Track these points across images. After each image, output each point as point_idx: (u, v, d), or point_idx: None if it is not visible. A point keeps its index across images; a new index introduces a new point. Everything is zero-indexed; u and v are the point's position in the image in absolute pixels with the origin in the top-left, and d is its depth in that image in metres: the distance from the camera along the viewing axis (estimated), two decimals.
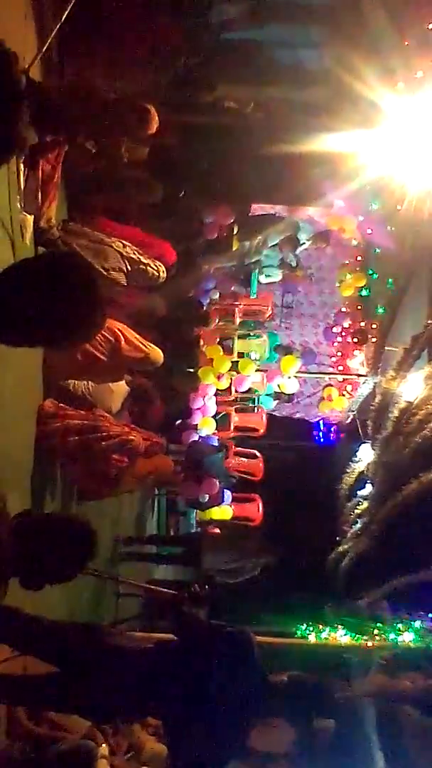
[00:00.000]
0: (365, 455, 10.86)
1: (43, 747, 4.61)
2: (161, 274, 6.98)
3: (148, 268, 6.75)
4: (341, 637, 9.59)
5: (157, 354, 6.66)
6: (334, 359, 13.06)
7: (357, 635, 9.58)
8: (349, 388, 12.83)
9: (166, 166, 7.53)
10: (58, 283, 2.76)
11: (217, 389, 10.71)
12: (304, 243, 11.77)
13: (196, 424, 10.51)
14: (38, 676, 4.29)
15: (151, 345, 6.60)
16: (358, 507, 10.54)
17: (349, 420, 13.45)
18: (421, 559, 8.48)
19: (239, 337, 11.47)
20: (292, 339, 13.40)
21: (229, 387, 11.01)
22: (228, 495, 10.82)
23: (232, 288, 11.46)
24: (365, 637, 9.58)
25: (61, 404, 5.93)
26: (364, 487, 10.69)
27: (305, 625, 9.45)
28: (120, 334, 6.16)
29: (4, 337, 2.82)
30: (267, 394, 11.81)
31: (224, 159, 8.64)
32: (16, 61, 2.56)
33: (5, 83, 2.46)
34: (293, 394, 12.26)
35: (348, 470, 11.22)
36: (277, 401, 12.22)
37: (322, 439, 14.70)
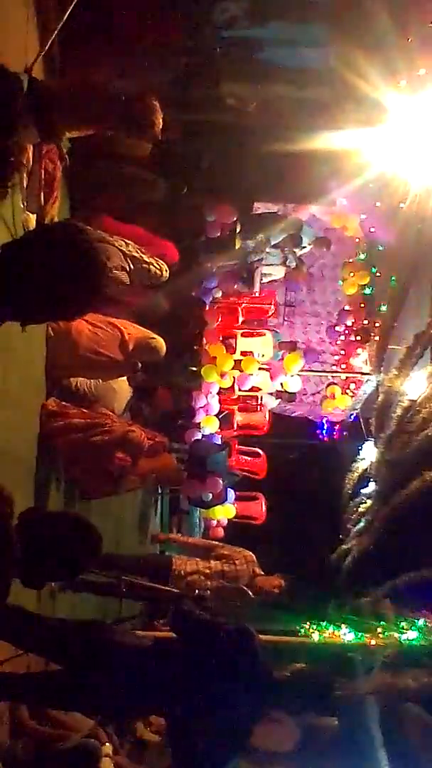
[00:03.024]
0: (368, 453, 10.87)
1: (47, 746, 4.62)
2: (164, 272, 6.98)
3: (151, 266, 6.75)
4: (344, 635, 9.59)
5: (160, 343, 6.70)
6: (337, 357, 13.06)
7: (360, 633, 9.58)
8: (352, 386, 12.83)
9: (169, 164, 7.53)
10: (54, 248, 2.73)
11: (220, 387, 10.71)
12: (305, 246, 11.77)
13: (199, 423, 10.51)
14: (41, 675, 4.30)
15: (153, 335, 6.64)
16: (361, 505, 10.56)
17: (352, 418, 13.45)
18: (424, 556, 8.48)
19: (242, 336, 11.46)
20: (295, 337, 13.38)
21: (232, 385, 11.00)
22: (231, 493, 10.82)
23: (235, 286, 11.45)
24: (368, 635, 9.57)
25: (64, 403, 5.93)
26: (367, 485, 10.71)
27: (308, 623, 9.44)
28: (123, 329, 6.19)
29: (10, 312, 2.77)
30: (269, 393, 11.80)
31: (227, 157, 8.63)
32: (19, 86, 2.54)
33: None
34: (296, 392, 12.24)
35: (351, 468, 11.24)
36: (279, 400, 12.20)
37: (325, 438, 14.69)
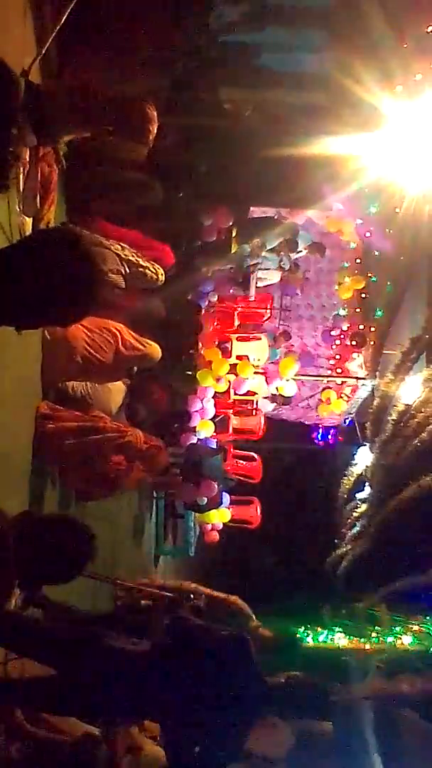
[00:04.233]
0: (364, 458, 10.89)
1: (41, 749, 4.60)
2: (160, 276, 6.98)
3: (147, 270, 6.75)
4: (339, 639, 9.59)
5: (155, 350, 6.69)
6: (332, 362, 13.06)
7: (355, 638, 9.58)
8: (347, 390, 12.84)
9: (165, 168, 7.54)
10: (50, 252, 2.71)
11: (216, 392, 10.71)
12: (301, 251, 11.79)
13: (195, 427, 10.50)
14: (36, 679, 4.28)
15: (149, 341, 6.63)
16: (356, 509, 10.56)
17: (347, 423, 13.45)
18: (419, 561, 8.49)
19: (238, 340, 11.46)
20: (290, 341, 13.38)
21: (228, 389, 11.00)
22: (226, 497, 10.81)
23: (231, 290, 11.46)
24: (363, 640, 9.58)
25: (57, 406, 5.92)
26: (362, 489, 10.72)
27: (303, 628, 9.44)
28: (119, 334, 6.18)
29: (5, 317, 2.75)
30: (264, 397, 11.81)
31: (223, 161, 8.64)
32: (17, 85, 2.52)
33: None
34: (291, 397, 12.24)
35: (346, 473, 11.25)
36: (274, 404, 12.20)
37: (320, 442, 14.69)
